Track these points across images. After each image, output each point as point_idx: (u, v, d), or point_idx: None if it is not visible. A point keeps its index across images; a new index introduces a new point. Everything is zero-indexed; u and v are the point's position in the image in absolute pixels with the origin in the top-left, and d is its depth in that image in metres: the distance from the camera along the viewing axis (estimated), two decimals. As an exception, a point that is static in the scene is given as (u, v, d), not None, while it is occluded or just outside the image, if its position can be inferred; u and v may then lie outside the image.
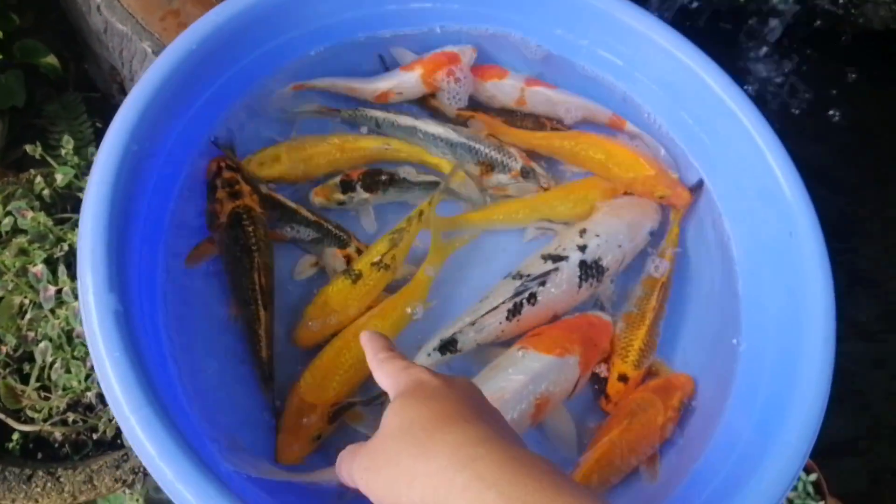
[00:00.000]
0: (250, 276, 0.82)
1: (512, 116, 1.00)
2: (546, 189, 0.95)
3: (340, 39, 0.95)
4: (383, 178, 0.93)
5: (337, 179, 0.92)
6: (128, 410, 0.63)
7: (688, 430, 0.85)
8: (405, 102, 0.99)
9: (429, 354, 0.84)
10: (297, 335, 0.84)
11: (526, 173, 0.95)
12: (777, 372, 0.79)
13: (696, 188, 0.95)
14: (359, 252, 0.89)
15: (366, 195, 0.92)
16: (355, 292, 0.85)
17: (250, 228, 0.84)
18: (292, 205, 0.90)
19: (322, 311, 0.84)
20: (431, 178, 0.94)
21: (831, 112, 1.37)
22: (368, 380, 0.80)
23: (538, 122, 0.99)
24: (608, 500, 0.55)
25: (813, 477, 0.93)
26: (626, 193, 0.96)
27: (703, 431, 0.83)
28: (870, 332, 1.19)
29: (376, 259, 0.86)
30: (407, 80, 0.97)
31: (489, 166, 0.95)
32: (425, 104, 1.00)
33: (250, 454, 0.74)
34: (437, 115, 1.00)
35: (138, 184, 0.75)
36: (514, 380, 0.81)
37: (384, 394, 0.60)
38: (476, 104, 1.00)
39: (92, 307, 0.66)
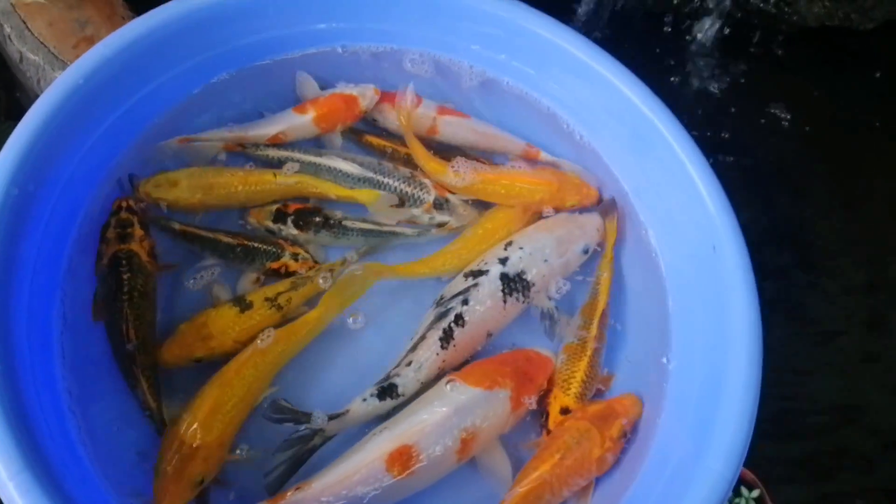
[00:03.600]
0: (119, 327, 0.78)
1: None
2: (461, 218, 0.93)
3: (245, 64, 0.92)
4: (317, 219, 0.90)
5: (274, 207, 0.90)
6: (5, 476, 0.59)
7: (623, 454, 0.82)
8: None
9: (364, 399, 0.80)
10: (163, 350, 0.81)
11: (439, 205, 0.92)
12: (705, 391, 0.76)
13: (610, 206, 0.93)
14: (295, 258, 0.87)
15: (294, 231, 0.89)
16: (239, 322, 0.82)
17: (126, 276, 0.80)
18: (209, 234, 0.87)
19: (198, 332, 0.81)
20: (370, 226, 0.91)
21: (771, 110, 1.35)
22: (250, 420, 0.79)
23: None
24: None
25: (756, 493, 0.90)
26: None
27: (636, 454, 0.81)
28: (820, 339, 1.17)
29: (271, 295, 0.84)
30: (298, 123, 0.94)
31: (400, 201, 0.92)
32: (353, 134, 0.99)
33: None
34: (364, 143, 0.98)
35: (23, 230, 0.71)
36: (438, 412, 0.78)
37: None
38: (384, 131, 0.99)
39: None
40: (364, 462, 0.75)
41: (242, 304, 0.83)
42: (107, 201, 0.84)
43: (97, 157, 0.82)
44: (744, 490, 0.90)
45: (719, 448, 0.70)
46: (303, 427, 0.77)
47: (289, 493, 0.74)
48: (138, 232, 0.82)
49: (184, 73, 0.87)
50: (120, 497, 0.70)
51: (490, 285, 0.86)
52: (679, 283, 0.86)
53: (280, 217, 0.89)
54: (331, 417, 0.78)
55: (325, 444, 0.78)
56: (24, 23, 1.16)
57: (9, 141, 0.72)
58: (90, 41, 1.15)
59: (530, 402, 0.82)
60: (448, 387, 0.80)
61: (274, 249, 0.87)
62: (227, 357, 0.81)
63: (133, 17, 1.17)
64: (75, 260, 0.80)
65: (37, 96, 1.31)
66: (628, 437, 0.82)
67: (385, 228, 0.91)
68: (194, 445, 0.73)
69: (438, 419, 0.77)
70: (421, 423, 0.77)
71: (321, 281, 0.86)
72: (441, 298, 0.87)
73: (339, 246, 0.92)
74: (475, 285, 0.86)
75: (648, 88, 0.87)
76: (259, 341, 0.81)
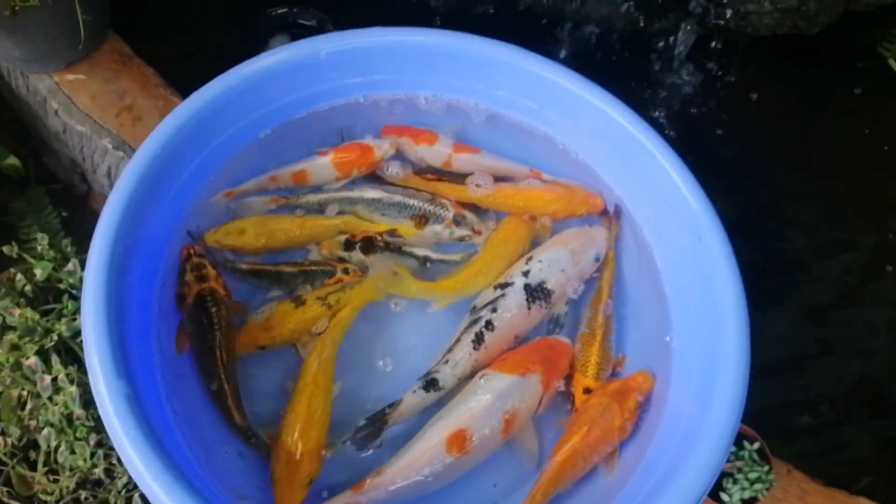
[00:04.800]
0: (213, 353, 0.92)
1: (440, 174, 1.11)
2: (478, 233, 1.07)
3: (285, 119, 1.07)
4: (380, 243, 1.04)
5: (342, 238, 1.04)
6: (149, 479, 0.73)
7: (640, 422, 0.96)
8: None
9: (414, 392, 0.94)
10: (238, 339, 0.95)
11: (458, 221, 1.06)
12: (704, 361, 0.91)
13: (617, 214, 1.07)
14: (346, 272, 1.01)
15: (362, 256, 1.03)
16: (294, 316, 0.97)
17: (213, 309, 0.93)
18: (273, 268, 1.01)
19: (261, 325, 0.96)
20: (424, 252, 1.05)
21: (736, 108, 1.51)
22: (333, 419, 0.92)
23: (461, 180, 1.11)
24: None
25: (756, 445, 1.04)
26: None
27: (652, 422, 0.94)
28: (801, 311, 1.33)
29: (322, 295, 0.99)
30: (319, 163, 1.08)
31: (424, 219, 1.06)
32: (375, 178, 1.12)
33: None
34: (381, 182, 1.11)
35: (127, 280, 0.85)
36: (483, 399, 0.92)
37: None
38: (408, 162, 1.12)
39: (105, 394, 0.76)
40: (428, 447, 0.88)
41: (298, 301, 0.98)
42: (178, 252, 0.98)
43: (172, 212, 0.96)
44: (746, 444, 1.04)
45: (721, 403, 0.84)
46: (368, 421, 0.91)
47: (367, 480, 0.87)
48: (212, 272, 0.96)
49: (236, 133, 1.02)
50: (227, 494, 0.83)
51: (516, 295, 1.00)
52: (673, 271, 1.00)
53: (349, 246, 1.03)
54: (389, 406, 0.92)
55: (385, 430, 0.91)
56: (69, 98, 1.30)
57: (108, 204, 0.86)
58: (130, 109, 1.30)
59: (558, 384, 0.97)
60: (488, 376, 0.94)
61: (329, 269, 1.02)
62: (284, 344, 0.97)
63: (164, 84, 1.33)
64: (163, 303, 0.94)
65: (72, 161, 1.45)
66: (643, 407, 0.95)
67: (435, 256, 1.05)
68: (299, 453, 0.87)
69: (484, 405, 0.91)
70: (470, 409, 0.91)
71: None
72: (474, 308, 1.01)
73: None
74: (503, 295, 1.00)
75: (630, 109, 1.02)
76: (314, 328, 0.97)
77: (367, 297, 1.00)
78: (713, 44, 1.51)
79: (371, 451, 0.92)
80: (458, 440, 0.89)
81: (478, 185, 1.08)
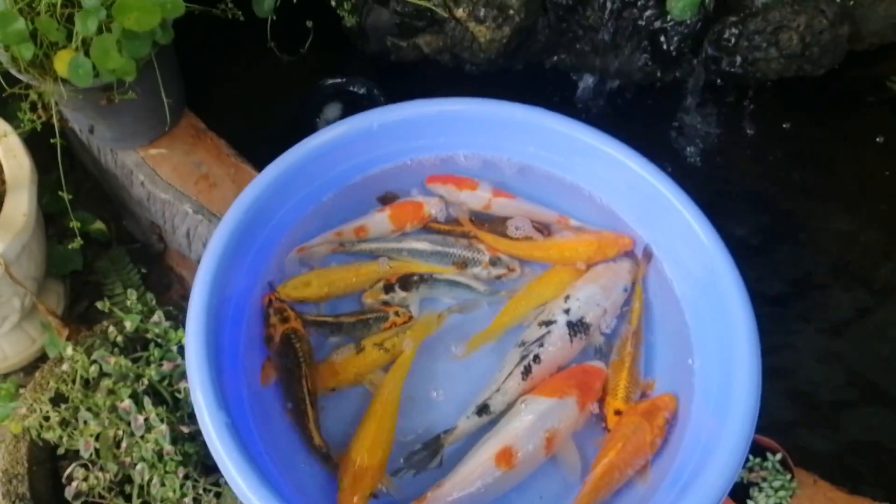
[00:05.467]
0: (300, 383, 1.06)
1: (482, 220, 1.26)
2: (512, 270, 1.21)
3: (343, 183, 1.23)
4: (415, 278, 1.19)
5: (381, 284, 1.19)
6: (249, 493, 0.88)
7: (668, 437, 1.06)
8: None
9: (468, 417, 1.07)
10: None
11: (494, 262, 1.21)
12: (721, 379, 1.02)
13: (647, 256, 1.20)
14: (397, 315, 1.15)
15: (403, 294, 1.18)
16: (355, 360, 1.11)
17: (297, 345, 1.08)
18: (334, 319, 1.16)
19: (329, 369, 1.11)
20: (452, 276, 1.20)
21: (747, 148, 1.64)
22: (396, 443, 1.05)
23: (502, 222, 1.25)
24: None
25: (779, 456, 1.14)
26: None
27: (678, 436, 1.06)
28: (823, 331, 1.44)
29: (378, 341, 1.13)
30: (377, 219, 1.23)
31: (463, 264, 1.21)
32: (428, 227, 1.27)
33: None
34: (433, 231, 1.26)
35: (220, 326, 1.01)
36: (526, 419, 1.04)
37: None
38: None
39: (209, 424, 0.91)
40: (479, 462, 1.01)
41: (358, 347, 1.12)
42: (259, 302, 1.14)
43: (253, 267, 1.12)
44: (769, 455, 1.15)
45: (736, 415, 0.95)
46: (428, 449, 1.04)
47: (428, 493, 1.00)
48: (292, 314, 1.11)
49: (303, 198, 1.18)
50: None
51: (559, 331, 1.13)
52: (691, 300, 1.12)
53: (389, 288, 1.18)
54: (444, 432, 1.05)
55: (441, 452, 1.04)
56: (154, 170, 1.48)
57: (203, 263, 1.02)
58: (206, 177, 1.47)
59: (593, 406, 1.09)
60: (529, 399, 1.07)
61: (382, 314, 1.16)
62: (351, 386, 1.10)
63: (235, 154, 1.51)
64: (247, 344, 1.09)
65: (151, 223, 1.62)
66: (671, 424, 1.06)
67: (463, 280, 1.20)
68: (364, 468, 1.00)
69: (527, 425, 1.03)
70: (515, 429, 1.03)
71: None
72: (523, 343, 1.14)
73: (434, 296, 1.20)
74: (548, 332, 1.13)
75: (645, 157, 1.15)
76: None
77: (422, 335, 1.14)
78: (724, 89, 1.64)
79: (429, 470, 1.04)
80: (506, 456, 1.01)
81: (517, 228, 1.23)
